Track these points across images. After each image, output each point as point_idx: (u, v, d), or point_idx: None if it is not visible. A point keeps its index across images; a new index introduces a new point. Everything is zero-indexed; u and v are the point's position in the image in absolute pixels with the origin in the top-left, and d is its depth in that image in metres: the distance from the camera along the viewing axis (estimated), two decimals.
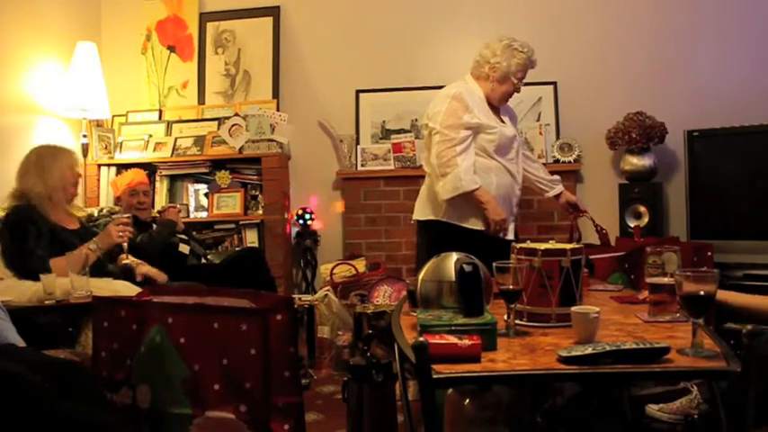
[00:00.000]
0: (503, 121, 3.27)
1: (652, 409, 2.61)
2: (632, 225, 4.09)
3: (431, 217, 3.21)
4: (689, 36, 4.41)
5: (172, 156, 4.65)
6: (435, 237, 3.18)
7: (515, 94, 3.31)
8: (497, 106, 3.29)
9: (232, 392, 1.98)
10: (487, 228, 3.08)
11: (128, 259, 3.16)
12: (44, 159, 3.14)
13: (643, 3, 4.54)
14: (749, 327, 1.58)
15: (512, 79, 3.19)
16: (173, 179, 4.70)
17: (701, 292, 1.66)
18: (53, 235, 3.02)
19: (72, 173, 3.19)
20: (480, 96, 3.20)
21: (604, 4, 4.59)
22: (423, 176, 4.41)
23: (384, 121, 4.76)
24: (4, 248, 2.99)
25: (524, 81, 3.32)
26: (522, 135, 4.52)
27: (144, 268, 3.20)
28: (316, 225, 4.69)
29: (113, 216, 3.16)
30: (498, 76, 3.18)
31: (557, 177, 3.59)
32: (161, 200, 4.57)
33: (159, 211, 3.42)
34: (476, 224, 3.11)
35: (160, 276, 3.22)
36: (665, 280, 2.07)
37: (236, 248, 4.45)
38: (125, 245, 3.15)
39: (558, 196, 3.54)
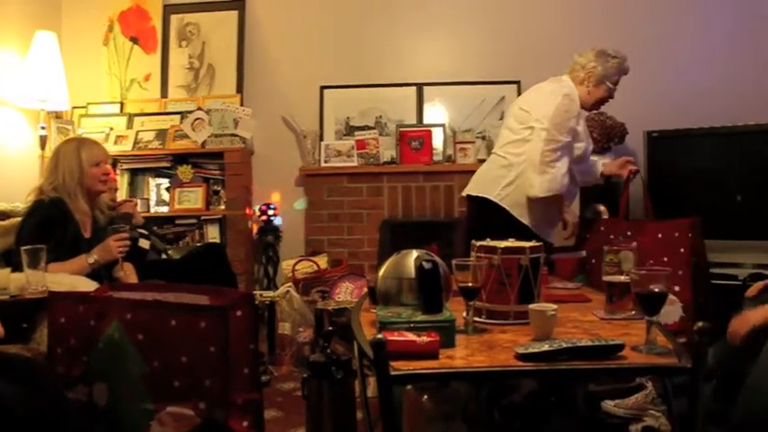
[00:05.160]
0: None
1: (608, 404, 2.65)
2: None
3: (484, 195, 3.25)
4: (649, 39, 4.47)
5: (133, 149, 4.60)
6: (480, 214, 3.27)
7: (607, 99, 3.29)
8: (585, 111, 3.30)
9: (191, 389, 1.97)
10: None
11: (122, 271, 3.10)
12: (66, 153, 3.07)
13: (604, 5, 4.61)
14: (699, 324, 1.62)
15: (607, 84, 3.19)
16: (134, 173, 4.65)
17: (655, 290, 1.70)
18: (73, 245, 2.97)
19: (98, 168, 3.11)
20: (578, 100, 3.19)
21: (567, 6, 4.65)
22: (385, 173, 4.52)
23: (348, 118, 4.76)
24: (19, 237, 2.90)
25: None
26: (485, 133, 4.58)
27: (132, 278, 3.16)
28: (278, 221, 4.68)
29: (110, 227, 3.09)
30: (594, 81, 3.19)
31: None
32: (122, 194, 4.51)
33: (112, 207, 3.36)
34: (522, 217, 3.17)
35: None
36: (622, 278, 2.11)
37: (198, 244, 4.42)
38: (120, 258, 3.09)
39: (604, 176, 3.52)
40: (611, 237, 3.30)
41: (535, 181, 3.07)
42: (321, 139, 4.71)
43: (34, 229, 2.91)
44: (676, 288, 3.09)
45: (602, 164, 3.52)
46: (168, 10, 4.91)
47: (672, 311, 2.96)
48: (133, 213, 3.64)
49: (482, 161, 4.34)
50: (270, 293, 3.94)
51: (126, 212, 3.61)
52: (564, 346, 1.61)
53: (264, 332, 3.78)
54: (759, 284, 2.44)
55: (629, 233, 3.30)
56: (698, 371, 1.58)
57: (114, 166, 4.53)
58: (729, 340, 2.17)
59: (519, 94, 4.58)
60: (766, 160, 3.88)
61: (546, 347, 1.60)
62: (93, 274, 2.91)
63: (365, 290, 2.82)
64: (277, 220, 4.65)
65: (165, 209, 4.60)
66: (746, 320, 2.15)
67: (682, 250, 3.19)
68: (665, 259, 3.22)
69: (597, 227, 3.57)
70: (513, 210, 3.17)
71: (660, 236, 3.25)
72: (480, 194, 3.28)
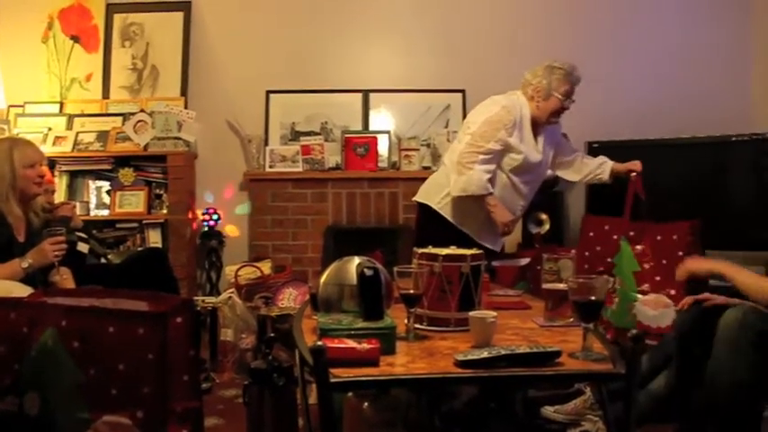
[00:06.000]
0: (537, 143, 3.30)
1: (548, 410, 2.69)
2: (533, 232, 4.21)
3: (426, 202, 3.33)
4: (592, 51, 4.58)
5: (73, 151, 4.50)
6: (424, 220, 3.36)
7: (562, 111, 3.30)
8: (543, 125, 3.32)
9: (129, 397, 1.94)
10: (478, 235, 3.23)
11: (58, 275, 3.00)
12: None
13: (548, 17, 4.71)
14: (634, 331, 1.66)
15: (555, 95, 3.21)
16: (73, 175, 4.55)
17: (592, 298, 1.74)
18: (6, 249, 2.87)
19: (33, 170, 3.01)
20: (525, 114, 3.24)
21: (511, 18, 4.74)
22: (330, 179, 4.53)
23: (294, 123, 4.74)
24: None
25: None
26: (430, 141, 4.62)
27: (68, 284, 3.06)
28: (221, 226, 4.63)
29: (45, 230, 2.99)
30: (543, 95, 3.23)
31: (599, 159, 3.58)
32: (60, 196, 4.40)
33: (49, 210, 3.27)
34: (462, 225, 3.23)
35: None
36: (561, 286, 2.15)
37: (139, 248, 4.34)
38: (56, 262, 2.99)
39: (612, 175, 3.52)
40: (615, 237, 3.34)
41: (451, 180, 3.17)
42: (266, 143, 4.68)
43: None
44: (672, 292, 3.13)
45: (609, 162, 3.53)
46: (111, 9, 4.82)
47: (665, 315, 3.00)
48: (71, 216, 3.55)
49: (427, 168, 4.42)
50: (212, 299, 3.89)
51: (63, 215, 3.51)
52: (502, 353, 1.64)
53: (206, 338, 3.73)
54: (689, 299, 2.52)
55: (631, 233, 3.35)
56: (632, 376, 1.62)
57: (52, 167, 4.43)
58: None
59: (464, 102, 4.66)
60: (703, 171, 4.02)
61: (485, 354, 1.63)
62: (27, 278, 2.83)
63: (308, 296, 2.82)
64: (220, 225, 4.60)
65: (105, 212, 4.50)
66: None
67: (680, 253, 3.23)
68: (664, 262, 3.26)
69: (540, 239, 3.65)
70: (451, 218, 3.24)
71: (659, 238, 3.30)
72: (424, 201, 3.35)
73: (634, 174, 3.43)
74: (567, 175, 3.63)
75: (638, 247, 3.33)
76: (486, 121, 3.15)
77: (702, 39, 4.69)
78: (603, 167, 3.51)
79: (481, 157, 3.11)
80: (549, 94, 3.23)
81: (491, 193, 3.15)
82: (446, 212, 3.25)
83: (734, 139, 3.91)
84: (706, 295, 2.50)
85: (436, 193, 3.30)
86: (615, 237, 3.34)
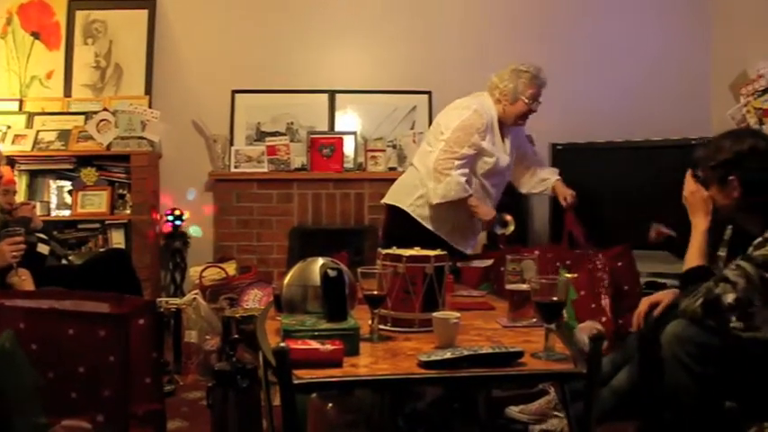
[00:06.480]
0: (504, 145, 3.33)
1: (512, 410, 2.72)
2: (498, 233, 4.23)
3: (398, 204, 3.34)
4: (556, 55, 4.62)
5: (33, 150, 4.43)
6: (395, 222, 3.36)
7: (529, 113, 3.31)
8: (509, 127, 3.34)
9: (89, 401, 1.91)
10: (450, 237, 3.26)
11: (17, 276, 2.94)
12: None
13: (514, 20, 4.76)
14: (594, 331, 1.69)
15: (522, 99, 3.23)
16: (33, 174, 4.48)
17: (554, 299, 1.76)
18: None
19: None
20: (494, 116, 3.26)
21: (476, 21, 4.77)
22: (296, 180, 4.53)
23: (259, 123, 4.72)
24: None
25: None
26: (396, 142, 4.63)
27: (27, 286, 2.99)
28: (186, 227, 4.60)
29: (3, 231, 2.92)
30: (510, 99, 3.24)
31: (546, 173, 3.58)
32: (20, 196, 4.32)
33: (8, 210, 3.21)
34: (436, 228, 3.25)
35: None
36: (524, 287, 2.17)
37: (101, 249, 4.29)
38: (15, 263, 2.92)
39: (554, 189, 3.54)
40: (558, 264, 3.38)
41: (429, 188, 3.19)
42: (231, 143, 4.65)
43: None
44: (603, 319, 3.20)
45: (556, 178, 3.55)
46: (73, 5, 4.74)
47: None
48: (31, 217, 3.50)
49: (393, 169, 4.43)
50: (176, 300, 3.85)
51: (23, 216, 3.46)
52: (465, 353, 1.65)
53: (170, 340, 3.69)
54: (645, 301, 2.52)
55: (568, 262, 3.39)
56: (593, 376, 1.65)
57: (12, 166, 4.35)
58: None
59: (430, 104, 4.68)
60: (664, 174, 4.08)
61: (448, 355, 1.64)
62: None
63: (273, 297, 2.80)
64: (185, 226, 4.55)
65: (66, 212, 4.44)
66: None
67: (605, 281, 3.30)
68: (597, 290, 3.33)
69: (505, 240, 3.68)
70: (425, 221, 3.25)
71: (590, 266, 3.36)
72: (395, 204, 3.35)
73: (566, 204, 3.47)
74: (517, 185, 3.66)
75: (571, 275, 3.38)
76: (460, 127, 3.16)
77: (663, 44, 4.77)
78: (546, 183, 3.55)
79: (457, 162, 3.13)
80: (516, 98, 3.26)
81: (471, 195, 3.18)
82: (419, 215, 3.27)
83: (694, 142, 3.98)
84: (657, 296, 2.52)
85: (407, 195, 3.31)
86: (558, 264, 3.40)
